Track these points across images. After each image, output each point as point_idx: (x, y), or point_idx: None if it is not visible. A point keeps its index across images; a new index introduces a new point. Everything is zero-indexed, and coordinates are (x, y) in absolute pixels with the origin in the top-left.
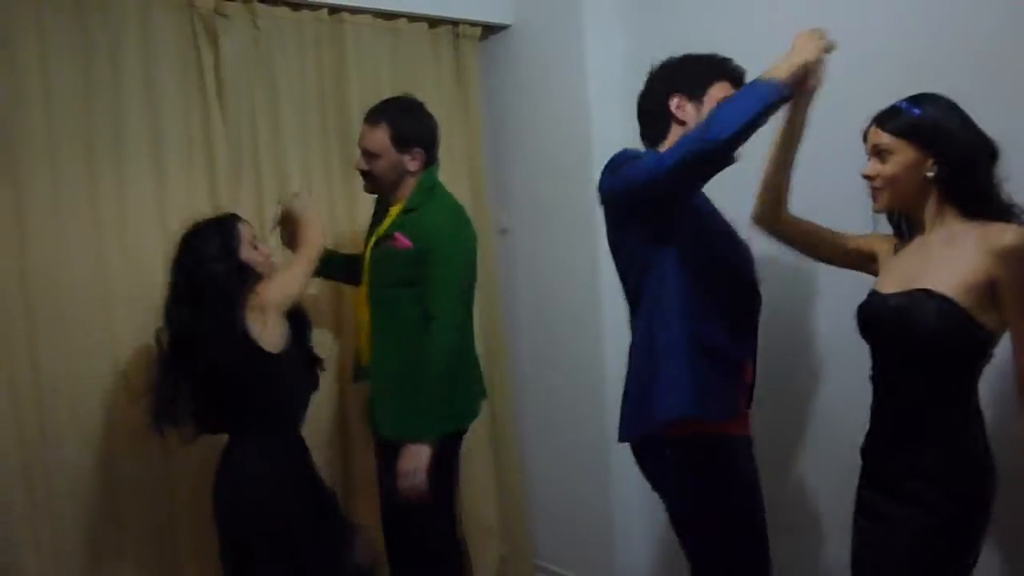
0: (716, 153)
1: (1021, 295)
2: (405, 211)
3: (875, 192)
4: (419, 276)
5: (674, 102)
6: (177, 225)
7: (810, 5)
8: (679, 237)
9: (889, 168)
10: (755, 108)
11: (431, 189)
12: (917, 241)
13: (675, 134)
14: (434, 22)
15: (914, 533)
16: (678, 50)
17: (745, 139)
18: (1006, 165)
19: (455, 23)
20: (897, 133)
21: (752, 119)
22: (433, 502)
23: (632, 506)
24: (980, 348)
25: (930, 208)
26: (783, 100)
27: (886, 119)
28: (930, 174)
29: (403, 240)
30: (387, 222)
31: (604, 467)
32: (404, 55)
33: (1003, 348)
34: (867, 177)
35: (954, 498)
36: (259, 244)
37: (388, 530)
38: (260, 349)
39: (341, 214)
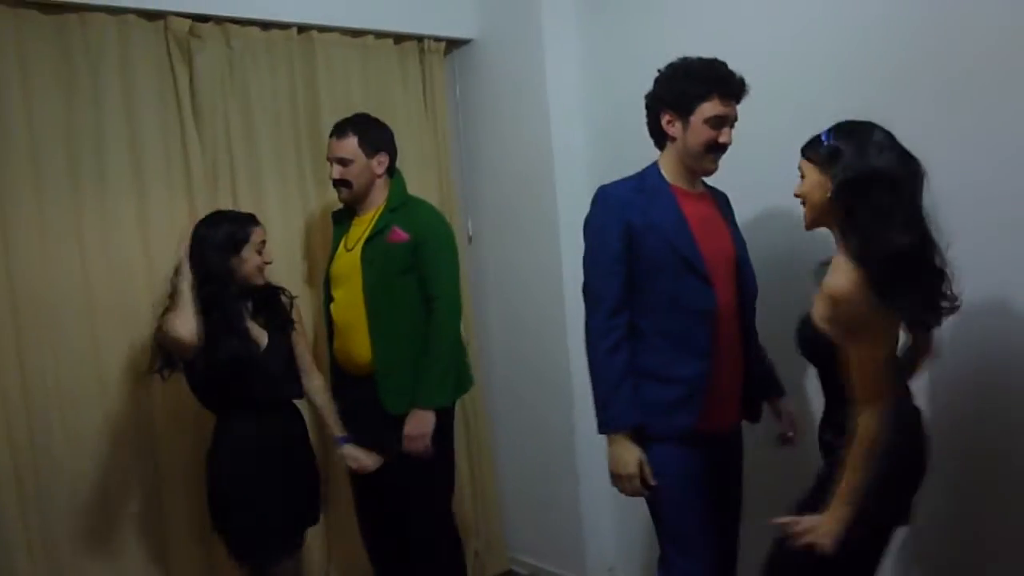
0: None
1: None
2: (390, 210)
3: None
4: (415, 264)
5: (664, 119)
6: (157, 239)
7: (759, 7)
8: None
9: (803, 187)
10: (596, 388)
11: (406, 190)
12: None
13: (669, 150)
14: (400, 38)
15: None
16: (634, 59)
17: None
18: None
19: (420, 39)
20: (806, 156)
21: (594, 381)
22: (437, 472)
23: (601, 497)
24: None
25: (835, 228)
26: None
27: (806, 145)
28: (828, 195)
29: (400, 233)
30: (367, 225)
31: (572, 461)
32: (372, 70)
33: None
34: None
35: None
36: (263, 251)
37: (393, 507)
38: None
39: (315, 223)
